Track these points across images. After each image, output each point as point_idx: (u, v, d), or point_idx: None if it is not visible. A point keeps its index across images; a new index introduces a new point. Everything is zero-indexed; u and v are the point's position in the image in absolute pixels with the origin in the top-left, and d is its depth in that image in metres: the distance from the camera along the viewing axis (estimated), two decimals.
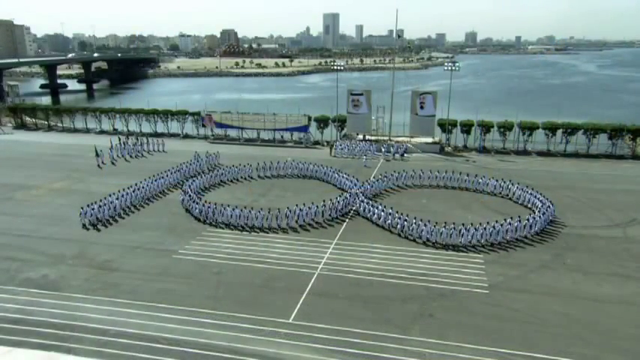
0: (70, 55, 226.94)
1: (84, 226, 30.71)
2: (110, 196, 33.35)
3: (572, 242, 28.58)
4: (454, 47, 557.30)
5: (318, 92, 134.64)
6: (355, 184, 36.75)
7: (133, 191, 34.92)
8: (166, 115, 62.45)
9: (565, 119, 54.34)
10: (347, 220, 32.16)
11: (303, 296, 22.39)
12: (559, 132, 52.22)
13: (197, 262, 25.87)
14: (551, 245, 28.23)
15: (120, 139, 52.31)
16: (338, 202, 32.74)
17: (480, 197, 36.78)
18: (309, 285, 23.42)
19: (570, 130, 51.86)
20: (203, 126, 60.03)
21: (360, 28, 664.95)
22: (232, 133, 59.27)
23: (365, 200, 33.14)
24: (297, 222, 30.91)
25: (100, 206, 31.82)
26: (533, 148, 52.85)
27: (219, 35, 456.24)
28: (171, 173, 39.92)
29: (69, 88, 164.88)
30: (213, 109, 62.10)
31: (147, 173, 39.36)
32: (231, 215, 30.88)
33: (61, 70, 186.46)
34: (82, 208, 31.29)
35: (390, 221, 30.17)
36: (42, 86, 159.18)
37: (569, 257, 26.62)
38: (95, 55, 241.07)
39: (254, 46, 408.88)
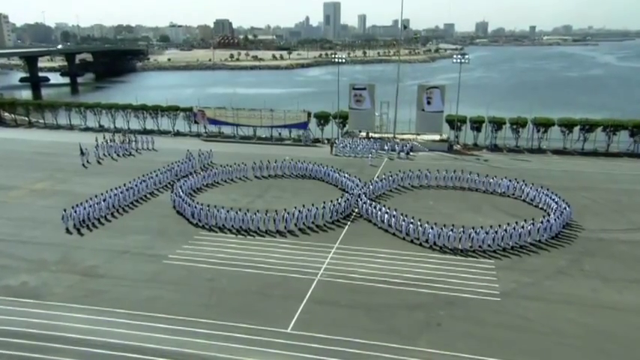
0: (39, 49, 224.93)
1: (67, 229, 30.72)
2: (96, 197, 33.35)
3: (591, 247, 28.57)
4: (464, 38, 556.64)
5: (319, 87, 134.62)
6: (357, 185, 36.77)
7: (121, 192, 34.93)
8: (156, 110, 62.52)
9: (583, 115, 54.29)
10: (349, 222, 32.19)
11: (302, 304, 22.41)
12: (576, 129, 52.15)
13: (189, 268, 25.88)
14: (568, 250, 28.22)
15: (105, 137, 52.32)
16: (339, 203, 32.76)
17: (492, 199, 36.80)
18: (309, 292, 23.44)
19: (588, 126, 51.80)
20: (195, 122, 60.08)
21: (362, 18, 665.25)
22: (227, 130, 59.37)
23: (368, 202, 33.16)
24: (295, 225, 30.92)
25: (85, 208, 31.83)
26: (549, 146, 52.87)
27: (212, 25, 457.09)
28: (162, 173, 39.96)
29: (51, 81, 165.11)
30: (207, 105, 62.07)
31: (135, 173, 39.40)
32: (226, 218, 30.91)
33: (42, 63, 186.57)
34: (64, 210, 31.30)
35: (394, 224, 30.18)
36: (22, 79, 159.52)
37: (588, 263, 26.62)
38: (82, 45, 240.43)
39: (250, 37, 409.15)
